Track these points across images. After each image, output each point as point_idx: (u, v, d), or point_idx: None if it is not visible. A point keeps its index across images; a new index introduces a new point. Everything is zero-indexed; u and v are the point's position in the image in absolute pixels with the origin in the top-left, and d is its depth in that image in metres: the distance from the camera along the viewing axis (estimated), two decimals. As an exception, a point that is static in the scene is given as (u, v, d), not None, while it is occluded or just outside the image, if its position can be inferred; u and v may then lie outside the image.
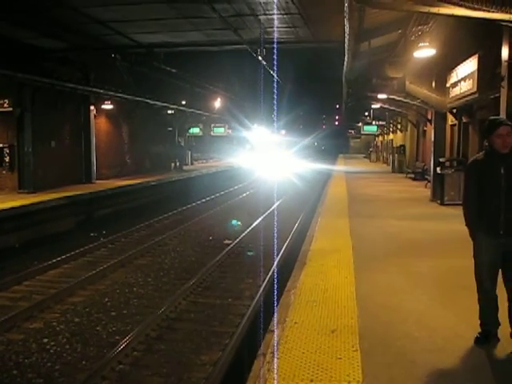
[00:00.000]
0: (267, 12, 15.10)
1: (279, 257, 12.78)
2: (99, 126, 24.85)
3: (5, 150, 18.52)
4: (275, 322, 5.64)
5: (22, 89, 17.90)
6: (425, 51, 13.01)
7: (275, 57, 19.64)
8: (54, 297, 9.90)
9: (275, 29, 17.21)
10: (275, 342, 5.01)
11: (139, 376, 6.84)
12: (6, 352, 7.57)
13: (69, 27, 16.92)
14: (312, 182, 32.61)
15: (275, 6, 14.46)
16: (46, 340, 7.97)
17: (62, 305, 9.69)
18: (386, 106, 25.66)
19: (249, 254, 13.70)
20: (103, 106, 24.19)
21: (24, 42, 17.61)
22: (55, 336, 8.14)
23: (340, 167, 39.59)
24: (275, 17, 15.66)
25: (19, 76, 16.70)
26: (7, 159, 18.53)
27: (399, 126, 36.11)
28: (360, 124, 44.91)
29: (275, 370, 4.37)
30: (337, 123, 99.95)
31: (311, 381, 4.21)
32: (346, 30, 11.46)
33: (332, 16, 14.15)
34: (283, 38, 18.71)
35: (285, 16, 15.59)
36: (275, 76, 22.33)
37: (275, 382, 4.19)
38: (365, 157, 59.94)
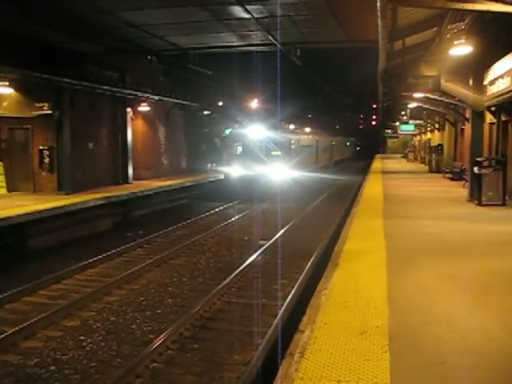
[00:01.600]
0: (300, 13, 15.08)
1: (313, 258, 12.79)
2: (136, 127, 25.22)
3: (44, 151, 18.97)
4: (305, 322, 5.66)
5: (61, 92, 18.31)
6: (461, 49, 12.78)
7: (307, 56, 19.67)
8: (91, 295, 10.14)
9: (308, 29, 17.18)
10: (304, 342, 5.03)
11: (172, 375, 6.95)
12: (45, 348, 7.80)
13: (105, 31, 17.25)
14: (348, 182, 33.01)
15: (307, 7, 14.43)
16: (82, 337, 8.18)
17: (99, 303, 9.91)
18: (422, 105, 25.30)
19: (282, 254, 13.75)
20: (140, 108, 24.54)
21: (62, 46, 18.01)
22: (91, 334, 8.34)
23: (377, 167, 39.20)
24: (308, 17, 15.63)
25: (58, 79, 17.08)
26: (47, 161, 18.98)
27: (437, 125, 35.55)
28: (397, 123, 44.29)
29: (302, 370, 4.39)
30: (374, 123, 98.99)
31: (338, 382, 4.21)
32: (379, 29, 11.36)
33: (365, 15, 14.05)
34: (317, 38, 18.66)
35: (317, 16, 15.54)
36: (303, 76, 22.84)
37: (302, 382, 4.21)
38: (402, 156, 59.19)
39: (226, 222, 18.36)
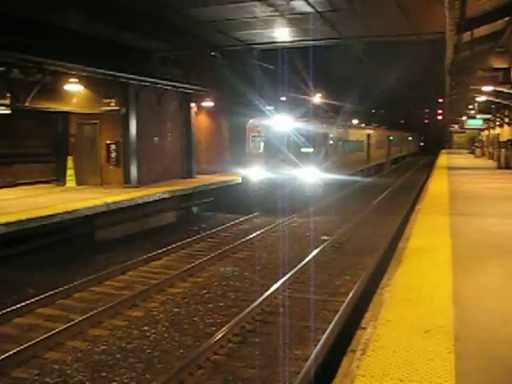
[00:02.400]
0: (364, 5, 14.83)
1: (376, 254, 12.63)
2: (200, 122, 25.54)
3: (111, 146, 19.53)
4: (367, 319, 5.60)
5: (128, 88, 18.78)
6: (534, 40, 12.26)
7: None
8: (155, 287, 10.38)
9: (373, 22, 16.87)
10: (366, 339, 4.98)
11: (233, 367, 7.03)
12: (111, 337, 8.06)
13: (171, 28, 17.50)
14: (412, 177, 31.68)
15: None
16: (146, 328, 8.41)
17: (163, 295, 10.14)
18: (491, 99, 24.40)
19: (345, 249, 13.65)
20: (203, 103, 24.82)
21: (129, 44, 18.42)
22: (155, 324, 8.55)
23: (442, 162, 38.17)
24: (372, 10, 15.35)
25: (125, 76, 17.53)
26: (113, 155, 19.53)
27: (506, 120, 34.22)
28: (464, 118, 42.95)
29: (364, 367, 4.35)
30: (440, 117, 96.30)
31: (401, 381, 4.15)
32: (447, 20, 11.03)
33: (432, 6, 13.67)
34: (381, 31, 18.31)
35: (382, 8, 15.24)
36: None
37: (363, 379, 4.17)
38: (469, 152, 57.34)
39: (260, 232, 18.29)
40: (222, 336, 7.68)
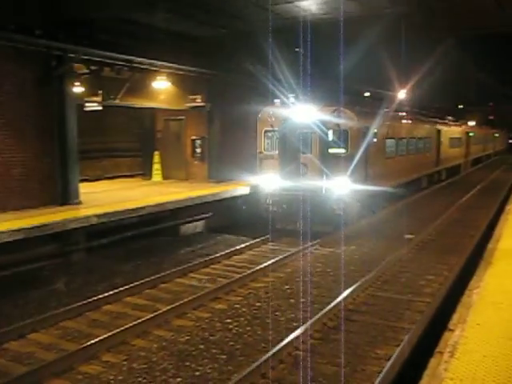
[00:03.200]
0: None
1: (465, 254, 12.18)
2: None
3: (197, 141, 19.93)
4: (455, 321, 5.41)
5: (213, 84, 19.09)
6: None
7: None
8: (238, 281, 10.51)
9: (465, 14, 16.14)
10: (454, 341, 4.81)
11: (314, 363, 6.99)
12: (194, 328, 8.26)
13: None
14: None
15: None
16: (229, 320, 8.54)
17: (245, 289, 10.27)
18: None
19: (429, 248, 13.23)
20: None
21: (214, 41, 18.58)
22: (237, 317, 8.67)
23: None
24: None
25: (208, 73, 17.87)
26: (199, 150, 19.92)
27: None
28: None
29: (452, 370, 4.20)
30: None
31: (492, 387, 3.98)
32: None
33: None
34: (474, 23, 17.48)
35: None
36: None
37: (452, 382, 4.03)
38: None
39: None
40: (304, 332, 7.65)
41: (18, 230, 10.58)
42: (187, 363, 7.00)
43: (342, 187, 14.15)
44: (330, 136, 14.86)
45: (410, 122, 23.36)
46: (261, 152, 16.39)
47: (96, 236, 12.49)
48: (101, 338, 7.57)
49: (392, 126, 19.44)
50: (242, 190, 17.72)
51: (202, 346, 7.54)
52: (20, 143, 12.87)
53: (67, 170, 13.70)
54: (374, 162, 16.40)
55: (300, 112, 14.95)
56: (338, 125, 14.69)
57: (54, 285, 10.59)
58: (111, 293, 9.80)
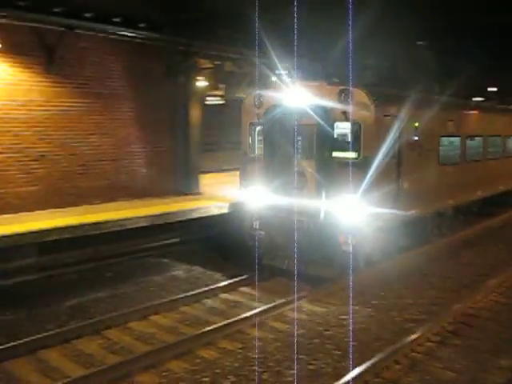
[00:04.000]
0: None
1: None
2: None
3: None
4: None
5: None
6: None
7: None
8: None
9: None
10: None
11: (431, 367, 6.79)
12: (309, 322, 8.31)
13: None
14: None
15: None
16: (343, 317, 8.47)
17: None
18: None
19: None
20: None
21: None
22: (352, 315, 8.54)
23: None
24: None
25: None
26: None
27: None
28: None
29: None
30: None
31: None
32: None
33: None
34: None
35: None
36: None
37: None
38: None
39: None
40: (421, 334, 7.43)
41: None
42: (301, 356, 7.00)
43: (350, 211, 9.40)
44: (336, 131, 10.10)
45: (488, 111, 17.38)
46: (245, 153, 11.68)
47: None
48: (219, 324, 7.87)
49: (449, 119, 13.42)
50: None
51: (317, 340, 7.56)
52: (152, 136, 13.51)
53: (190, 161, 14.23)
54: (413, 170, 11.13)
55: (293, 94, 10.29)
56: (344, 113, 9.77)
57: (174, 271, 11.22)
58: (225, 283, 10.18)
